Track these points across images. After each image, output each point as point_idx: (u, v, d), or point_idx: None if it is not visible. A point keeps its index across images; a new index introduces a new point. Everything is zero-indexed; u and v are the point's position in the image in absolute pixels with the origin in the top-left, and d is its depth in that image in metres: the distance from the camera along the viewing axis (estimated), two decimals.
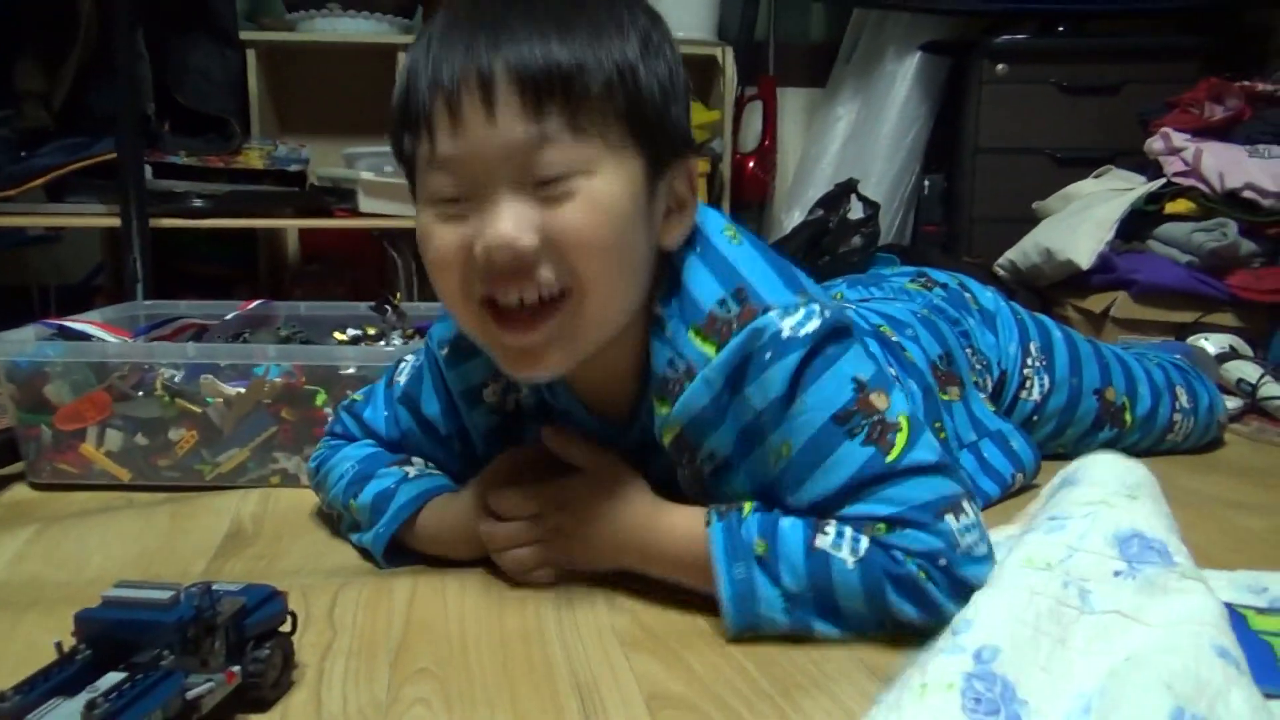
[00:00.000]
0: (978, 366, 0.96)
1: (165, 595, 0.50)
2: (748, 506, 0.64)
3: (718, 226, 0.68)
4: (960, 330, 0.96)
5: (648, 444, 0.70)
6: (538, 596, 0.68)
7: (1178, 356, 1.16)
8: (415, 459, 0.79)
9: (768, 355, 0.61)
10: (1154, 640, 0.48)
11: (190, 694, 0.48)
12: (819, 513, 0.62)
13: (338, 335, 1.15)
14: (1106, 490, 0.60)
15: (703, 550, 0.62)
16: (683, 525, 0.65)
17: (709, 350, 0.62)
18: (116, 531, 0.84)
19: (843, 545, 0.60)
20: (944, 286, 1.03)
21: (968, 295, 1.02)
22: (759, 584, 0.60)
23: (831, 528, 0.61)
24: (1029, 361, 1.00)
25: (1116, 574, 0.53)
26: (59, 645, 0.49)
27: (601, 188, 0.58)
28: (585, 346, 0.63)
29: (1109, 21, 2.17)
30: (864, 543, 0.59)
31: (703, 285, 0.64)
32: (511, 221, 0.57)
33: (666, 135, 0.62)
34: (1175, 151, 1.67)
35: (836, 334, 0.63)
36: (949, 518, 0.59)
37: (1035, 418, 1.01)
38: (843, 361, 0.62)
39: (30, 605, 0.67)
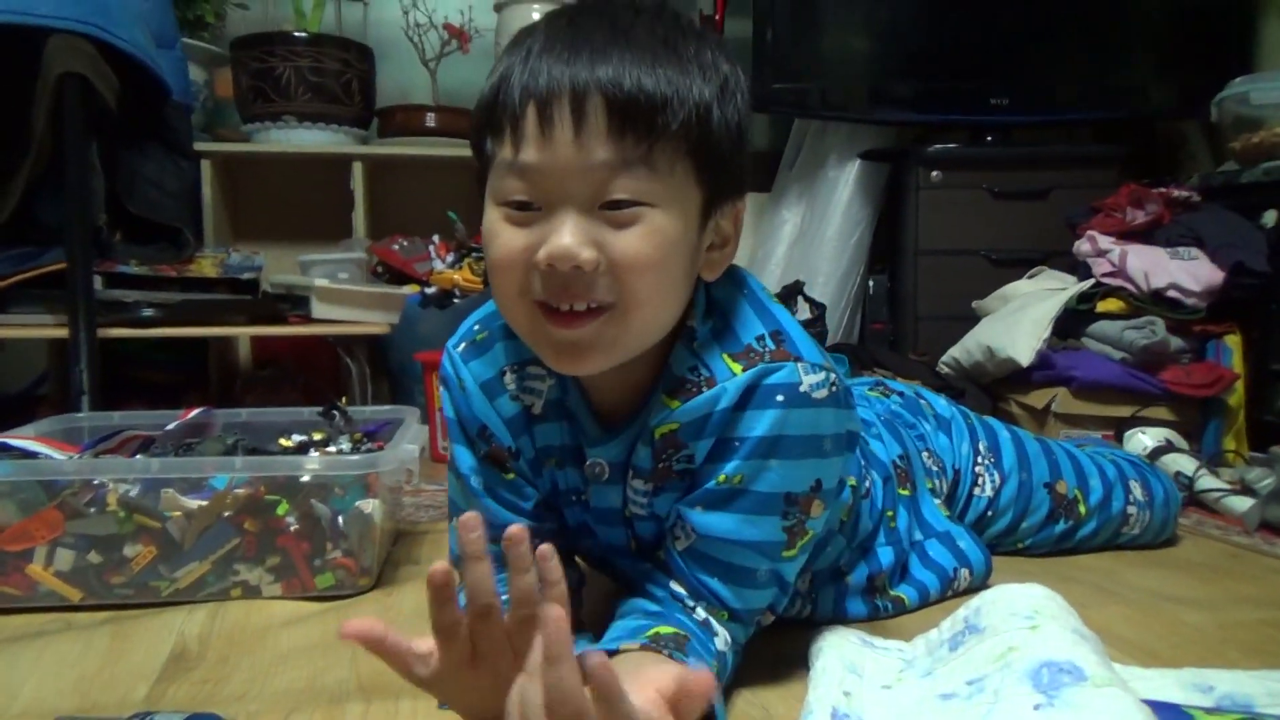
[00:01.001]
0: (934, 468, 1.00)
1: None
2: (676, 632, 0.65)
3: (760, 286, 0.74)
4: (917, 434, 1.01)
5: (625, 457, 0.72)
6: None
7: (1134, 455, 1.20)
8: None
9: (779, 397, 0.66)
10: None
11: None
12: (693, 556, 0.69)
13: (284, 441, 1.14)
14: (1009, 633, 0.64)
15: None
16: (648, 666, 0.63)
17: (736, 370, 0.67)
18: (53, 656, 0.80)
19: (724, 641, 0.69)
20: (900, 394, 1.08)
21: (923, 402, 1.08)
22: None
23: (705, 618, 0.68)
24: (979, 460, 1.04)
25: (1037, 708, 0.55)
26: None
27: (661, 220, 0.62)
28: (623, 353, 0.66)
29: (1033, 131, 2.30)
30: (726, 634, 0.69)
31: (746, 323, 0.70)
32: (577, 237, 0.61)
33: (728, 176, 0.66)
34: (1102, 253, 1.75)
35: (846, 438, 0.70)
36: (761, 618, 0.73)
37: (990, 513, 1.04)
38: (820, 462, 0.68)
39: None
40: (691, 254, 0.66)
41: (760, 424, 0.66)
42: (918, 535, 0.93)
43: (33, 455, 0.99)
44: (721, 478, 0.67)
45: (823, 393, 0.67)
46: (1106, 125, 2.33)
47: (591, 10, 0.65)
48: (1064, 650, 0.59)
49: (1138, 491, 1.11)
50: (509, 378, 0.76)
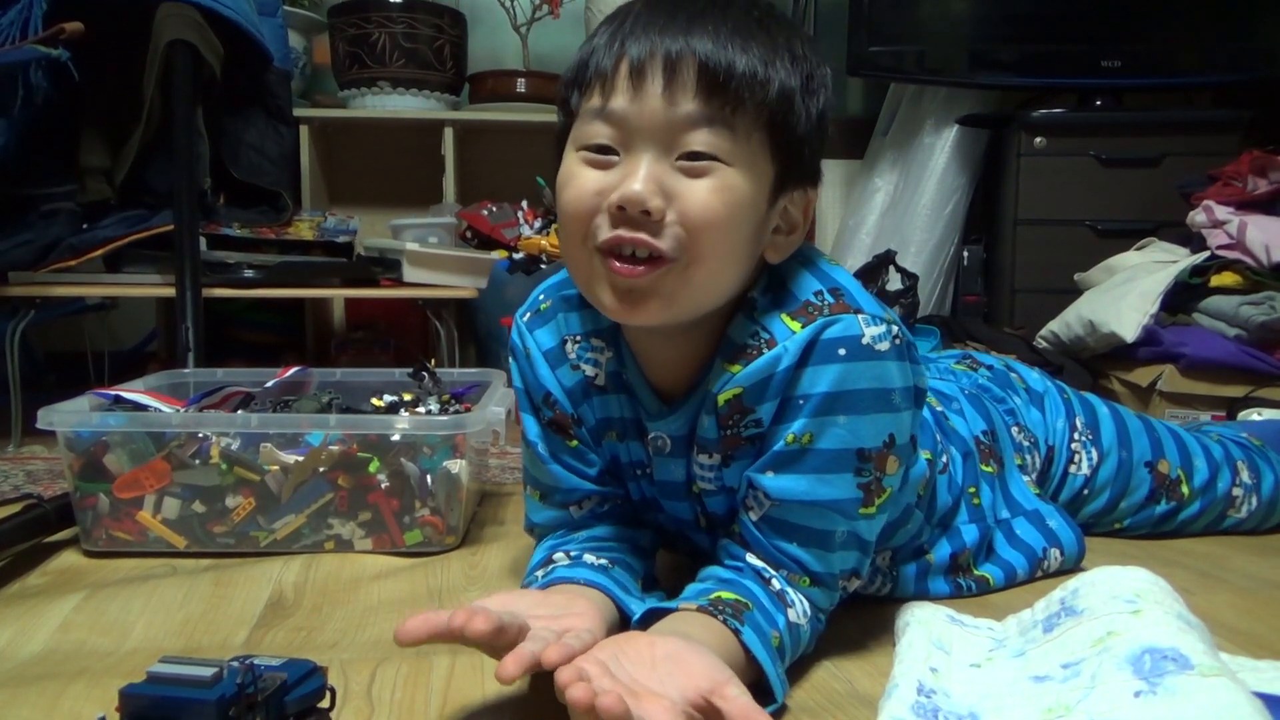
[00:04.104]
0: (1025, 444, 0.96)
1: (208, 673, 0.50)
2: (738, 599, 0.65)
3: (818, 252, 0.74)
4: (1006, 408, 0.98)
5: (688, 431, 0.72)
6: None
7: (1243, 435, 1.14)
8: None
9: (840, 350, 0.65)
10: None
11: None
12: (769, 523, 0.68)
13: (375, 401, 1.17)
14: (1110, 617, 0.61)
15: (724, 650, 0.61)
16: (701, 630, 0.62)
17: (795, 327, 0.67)
18: (160, 599, 0.85)
19: (799, 613, 0.67)
20: (989, 368, 1.04)
21: (1014, 375, 1.04)
22: (784, 671, 0.64)
23: (781, 589, 0.67)
24: (1075, 436, 1.00)
25: (1138, 695, 0.53)
26: None
27: (733, 177, 0.63)
28: (680, 310, 0.66)
29: (1146, 96, 2.18)
30: (805, 605, 0.68)
31: (803, 283, 0.69)
32: (651, 182, 0.62)
33: (800, 161, 0.67)
34: (1218, 224, 1.66)
35: (914, 392, 0.69)
36: (844, 582, 0.71)
37: (1086, 491, 1.00)
38: (890, 416, 0.67)
39: (76, 675, 0.67)
40: (759, 224, 0.66)
41: (823, 379, 0.65)
42: (1004, 513, 0.90)
43: (143, 408, 1.04)
44: (790, 438, 0.66)
45: (885, 344, 0.66)
46: (1228, 89, 2.20)
47: None
48: (1168, 637, 0.57)
49: (1245, 474, 1.05)
50: (570, 347, 0.76)
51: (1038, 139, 2.09)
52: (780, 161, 0.66)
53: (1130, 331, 1.60)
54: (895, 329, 0.67)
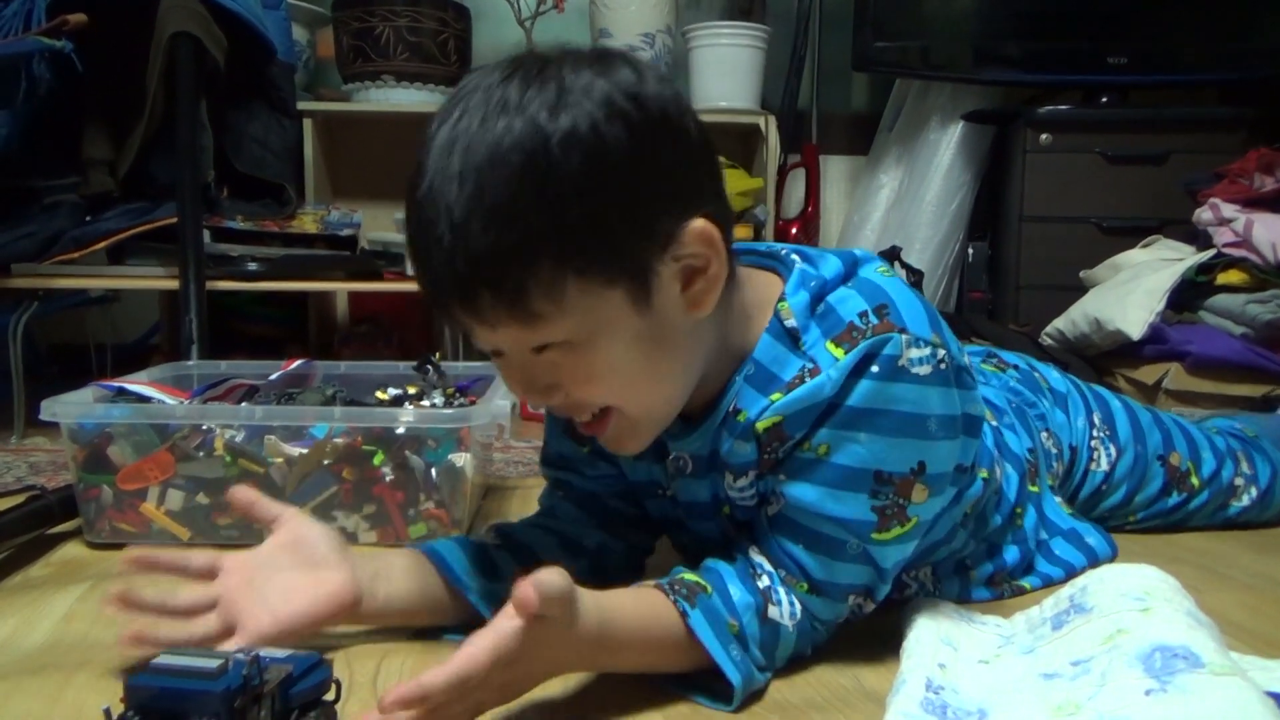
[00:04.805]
0: (1053, 450, 0.95)
1: (213, 664, 0.50)
2: (698, 581, 0.64)
3: (874, 267, 0.69)
4: (1037, 413, 0.96)
5: (708, 451, 0.70)
6: (583, 676, 0.66)
7: (1238, 425, 1.14)
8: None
9: (874, 368, 0.63)
10: None
11: None
12: (781, 522, 0.66)
13: (380, 394, 1.16)
14: (1119, 615, 0.61)
15: (669, 632, 0.62)
16: (634, 608, 0.62)
17: (839, 354, 0.64)
18: (163, 590, 0.84)
19: (783, 612, 0.65)
20: (1015, 368, 1.02)
21: (1038, 376, 1.02)
22: (749, 662, 0.63)
23: (769, 586, 0.66)
24: (1094, 433, 1.00)
25: (1149, 693, 0.52)
26: (107, 712, 0.50)
27: (585, 353, 0.60)
28: (659, 425, 0.67)
29: (1152, 93, 2.17)
30: (796, 607, 0.66)
31: (849, 303, 0.66)
32: (521, 386, 0.64)
33: (633, 251, 0.59)
34: (1225, 222, 1.65)
35: (963, 421, 0.67)
36: (852, 598, 0.68)
37: (1104, 487, 1.00)
38: (923, 443, 0.64)
39: (79, 667, 0.67)
40: (656, 329, 0.61)
41: (852, 395, 0.63)
42: (1043, 535, 0.89)
43: (147, 400, 1.04)
44: (806, 445, 0.65)
45: (926, 368, 0.63)
46: (1234, 86, 2.19)
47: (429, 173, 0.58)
48: (1178, 634, 0.56)
49: (1244, 465, 1.07)
50: None
51: (1043, 135, 2.09)
52: (615, 275, 0.58)
53: (1136, 329, 1.60)
54: (942, 353, 0.65)
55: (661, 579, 0.65)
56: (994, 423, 0.87)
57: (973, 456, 0.72)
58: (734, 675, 0.61)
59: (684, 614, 0.62)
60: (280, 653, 0.54)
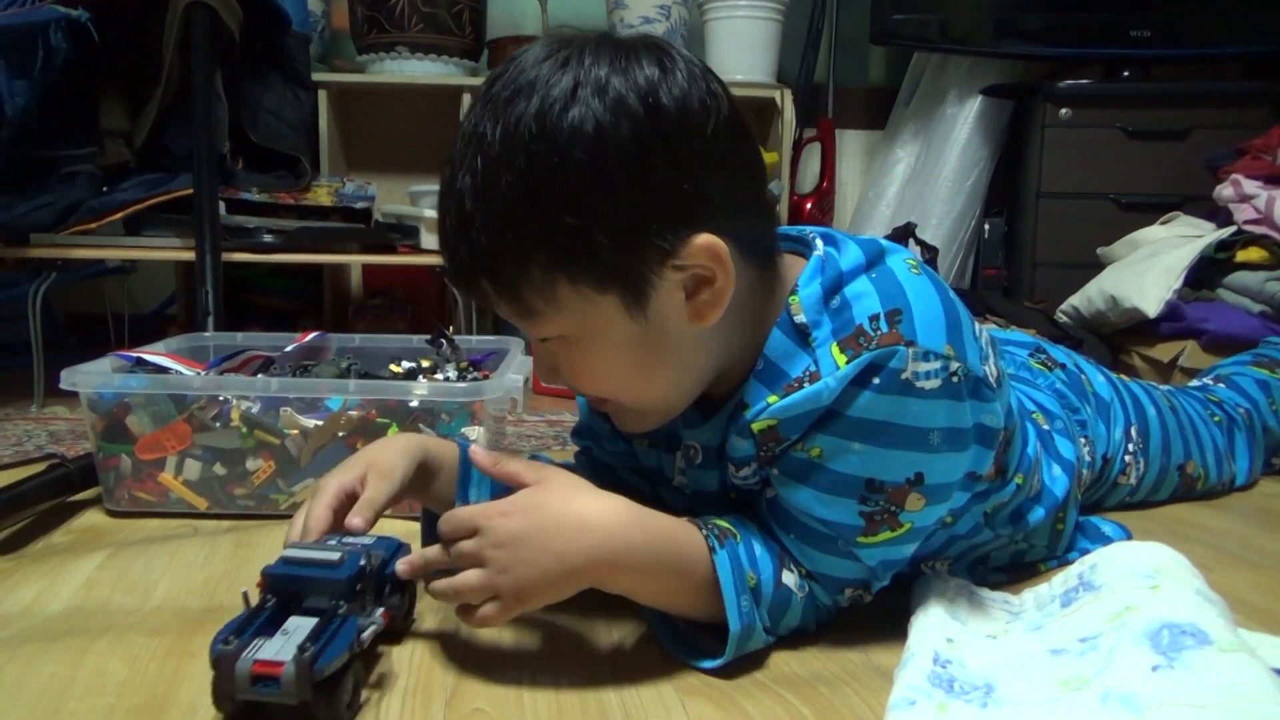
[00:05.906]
0: (1088, 459, 0.94)
1: (334, 555, 0.60)
2: (729, 529, 0.65)
3: (901, 258, 0.67)
4: (1078, 419, 0.94)
5: (719, 442, 0.70)
6: (595, 645, 0.68)
7: (1245, 395, 1.16)
8: None
9: (875, 380, 0.61)
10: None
11: (364, 634, 0.59)
12: (775, 509, 0.67)
13: (394, 367, 1.17)
14: (1128, 592, 0.61)
15: (691, 564, 0.62)
16: (670, 530, 0.63)
17: (841, 361, 0.62)
18: (182, 559, 0.86)
19: (795, 581, 0.66)
20: (1063, 368, 1.00)
21: (1084, 378, 1.00)
22: (756, 617, 0.64)
23: (784, 552, 0.67)
24: (1130, 448, 1.00)
25: (1155, 669, 0.52)
26: (246, 595, 0.60)
27: (581, 350, 0.64)
28: (663, 416, 0.69)
29: (1175, 67, 2.14)
30: (805, 583, 0.67)
31: (864, 299, 0.63)
32: (534, 360, 0.68)
33: (624, 261, 0.59)
34: (1246, 199, 1.64)
35: (974, 432, 0.66)
36: (848, 591, 0.69)
37: (1128, 498, 1.03)
38: (922, 455, 0.63)
39: (101, 632, 0.68)
40: (652, 336, 0.62)
41: (851, 405, 0.62)
42: (1077, 548, 0.87)
43: (164, 371, 1.05)
44: (801, 446, 0.64)
45: (933, 382, 0.61)
46: (1259, 60, 2.16)
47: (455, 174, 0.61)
48: (1187, 612, 0.56)
49: (1228, 465, 1.11)
50: None
51: (1063, 110, 2.06)
52: (612, 286, 0.59)
53: (1153, 307, 1.58)
54: (955, 365, 0.62)
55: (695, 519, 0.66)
56: (1045, 426, 0.86)
57: (989, 464, 0.70)
58: (734, 622, 0.61)
59: (712, 549, 0.62)
60: (368, 540, 0.64)
